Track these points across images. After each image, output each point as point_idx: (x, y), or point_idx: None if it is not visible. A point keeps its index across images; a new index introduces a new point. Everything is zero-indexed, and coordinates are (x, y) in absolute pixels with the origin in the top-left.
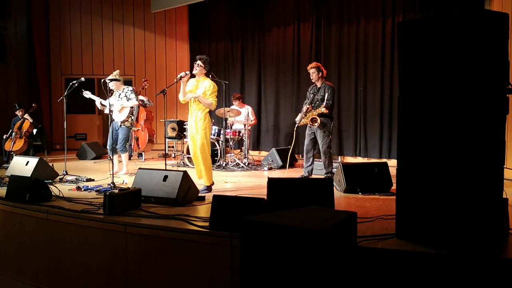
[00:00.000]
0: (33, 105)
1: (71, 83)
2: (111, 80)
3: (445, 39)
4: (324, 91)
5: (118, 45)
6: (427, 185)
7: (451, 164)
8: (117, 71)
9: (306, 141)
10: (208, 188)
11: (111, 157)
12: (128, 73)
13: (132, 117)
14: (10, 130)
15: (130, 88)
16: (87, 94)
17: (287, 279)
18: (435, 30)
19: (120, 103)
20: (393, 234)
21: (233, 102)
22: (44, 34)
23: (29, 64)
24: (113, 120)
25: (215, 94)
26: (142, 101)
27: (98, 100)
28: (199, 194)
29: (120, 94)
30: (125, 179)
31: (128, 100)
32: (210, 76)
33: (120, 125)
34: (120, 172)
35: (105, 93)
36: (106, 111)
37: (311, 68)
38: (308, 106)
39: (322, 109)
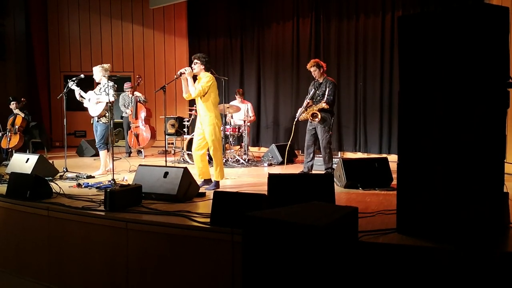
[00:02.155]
0: (22, 99)
1: (70, 80)
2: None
3: (445, 33)
4: (326, 86)
5: (117, 41)
6: (428, 180)
7: (452, 159)
8: (108, 65)
9: (307, 136)
10: (216, 184)
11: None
12: (127, 69)
13: (108, 113)
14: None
15: (111, 83)
16: (71, 84)
17: (289, 275)
18: (435, 24)
19: (96, 97)
20: (394, 228)
21: (236, 97)
22: (42, 31)
23: (28, 62)
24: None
25: (206, 85)
26: (138, 97)
27: (77, 91)
28: (207, 190)
29: (100, 88)
30: (125, 176)
31: (106, 95)
32: (210, 72)
33: (98, 121)
34: (96, 172)
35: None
36: (85, 104)
37: (311, 66)
38: (308, 101)
39: (323, 105)
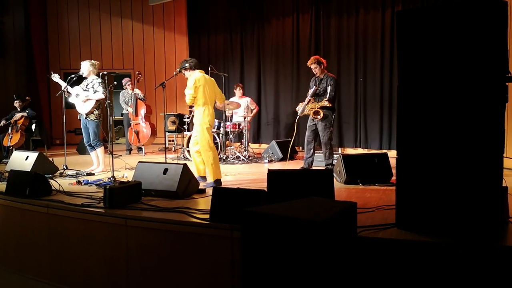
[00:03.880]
0: (26, 98)
1: (69, 77)
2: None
3: (444, 28)
4: (327, 82)
5: (117, 38)
6: (427, 175)
7: (451, 154)
8: (97, 62)
9: (308, 132)
10: (216, 183)
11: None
12: (127, 66)
13: (97, 111)
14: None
15: (99, 80)
16: (55, 77)
17: (288, 270)
18: (434, 19)
19: (85, 94)
20: (393, 224)
21: (235, 91)
22: (42, 29)
23: (28, 59)
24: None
25: (193, 88)
26: (138, 94)
27: (64, 85)
28: (204, 187)
29: (88, 84)
30: (125, 173)
31: (94, 92)
32: (210, 68)
33: (86, 118)
34: (97, 169)
35: (105, 86)
36: (70, 99)
37: (312, 63)
38: (309, 98)
39: (325, 103)
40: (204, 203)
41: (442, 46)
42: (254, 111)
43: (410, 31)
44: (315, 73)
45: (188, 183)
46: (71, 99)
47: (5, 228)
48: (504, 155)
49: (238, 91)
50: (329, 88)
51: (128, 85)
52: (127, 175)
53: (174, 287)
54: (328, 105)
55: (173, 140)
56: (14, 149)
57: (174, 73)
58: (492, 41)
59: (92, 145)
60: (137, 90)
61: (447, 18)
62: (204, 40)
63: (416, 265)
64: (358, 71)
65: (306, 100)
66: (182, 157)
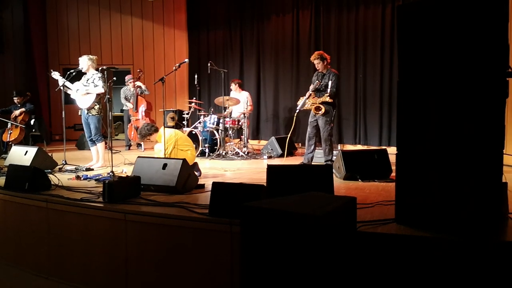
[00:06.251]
0: (27, 93)
1: (68, 73)
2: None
3: (445, 22)
4: (329, 78)
5: (116, 34)
6: (427, 171)
7: (451, 150)
8: (95, 57)
9: (309, 128)
10: None
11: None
12: (127, 62)
13: (98, 105)
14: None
15: (99, 74)
16: (54, 74)
17: (287, 264)
18: (434, 13)
19: (85, 89)
20: (392, 219)
21: (231, 87)
22: (41, 24)
23: (27, 54)
24: (80, 108)
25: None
26: (140, 87)
27: (61, 81)
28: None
29: (88, 79)
30: (124, 168)
31: (95, 87)
32: (209, 64)
33: (87, 113)
34: (96, 164)
35: (105, 81)
36: (72, 95)
37: (315, 59)
38: (311, 92)
39: (326, 98)
40: (203, 198)
41: (442, 41)
42: (250, 108)
43: (411, 26)
44: (317, 68)
45: (187, 178)
46: (72, 95)
47: (4, 222)
48: (504, 151)
49: (233, 86)
50: (330, 83)
51: (130, 82)
52: (126, 171)
53: (174, 281)
54: (329, 101)
55: None
56: (13, 144)
57: (174, 68)
58: (492, 35)
59: (94, 139)
60: (139, 83)
61: (447, 13)
62: (203, 36)
63: (415, 261)
64: (358, 67)
65: (307, 94)
66: None
